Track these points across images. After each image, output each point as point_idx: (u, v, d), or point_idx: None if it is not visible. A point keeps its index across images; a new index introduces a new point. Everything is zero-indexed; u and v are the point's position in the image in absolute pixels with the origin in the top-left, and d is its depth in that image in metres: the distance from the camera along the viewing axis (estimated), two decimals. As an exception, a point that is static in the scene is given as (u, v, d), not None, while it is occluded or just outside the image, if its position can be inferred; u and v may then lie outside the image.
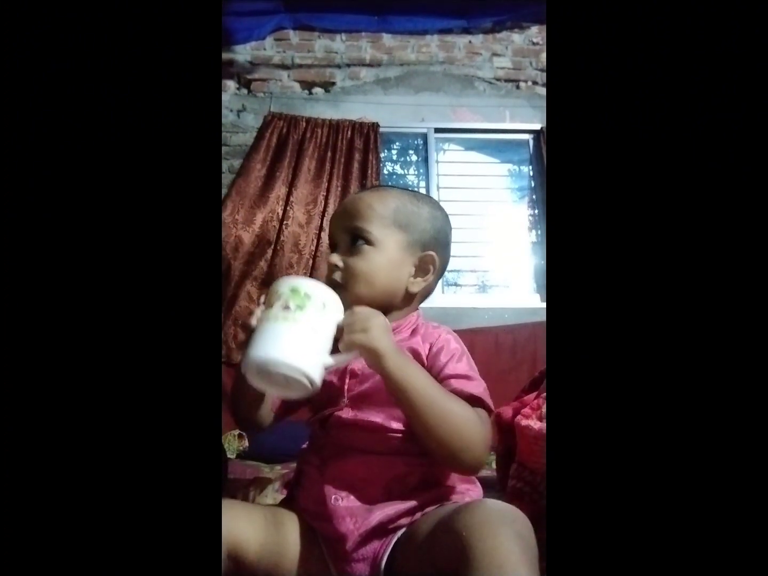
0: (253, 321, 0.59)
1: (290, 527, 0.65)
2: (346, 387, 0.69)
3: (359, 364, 0.70)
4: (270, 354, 0.54)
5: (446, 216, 0.80)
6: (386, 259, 0.71)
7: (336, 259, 0.72)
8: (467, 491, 0.68)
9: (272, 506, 0.71)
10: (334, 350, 0.59)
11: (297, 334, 0.56)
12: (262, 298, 0.61)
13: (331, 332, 0.59)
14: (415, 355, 0.68)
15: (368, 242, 0.71)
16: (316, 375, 0.56)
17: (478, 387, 0.65)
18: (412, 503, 0.62)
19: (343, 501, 0.63)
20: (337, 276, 0.72)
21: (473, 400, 0.63)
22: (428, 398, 0.59)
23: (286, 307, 0.57)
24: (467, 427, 0.60)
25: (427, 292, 0.78)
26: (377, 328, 0.59)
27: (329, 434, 0.69)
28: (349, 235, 0.73)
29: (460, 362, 0.68)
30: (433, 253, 0.74)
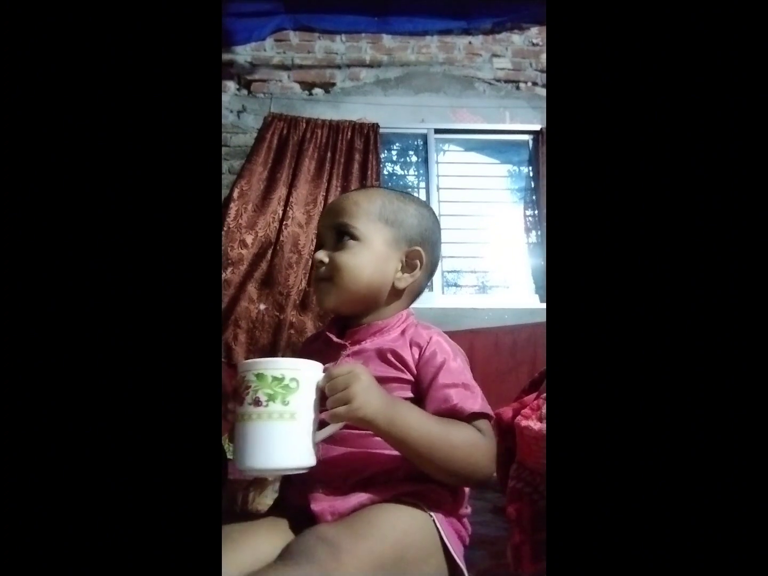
0: (229, 417, 0.58)
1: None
2: None
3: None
4: (258, 463, 0.53)
5: (434, 215, 0.81)
6: (372, 254, 0.71)
7: (322, 255, 0.72)
8: (454, 488, 0.68)
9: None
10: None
11: (277, 432, 0.54)
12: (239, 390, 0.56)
13: (310, 403, 0.56)
14: (401, 362, 0.67)
15: (354, 237, 0.71)
16: (310, 459, 0.56)
17: (475, 398, 0.65)
18: (388, 493, 0.63)
19: (323, 490, 0.64)
20: (323, 271, 0.72)
21: (475, 416, 0.64)
22: (428, 443, 0.60)
23: (256, 401, 0.53)
24: (473, 453, 0.61)
25: (416, 290, 0.77)
26: (360, 395, 0.56)
27: None
28: (335, 232, 0.73)
29: (454, 362, 0.67)
30: (419, 249, 0.74)
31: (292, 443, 0.54)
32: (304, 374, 0.56)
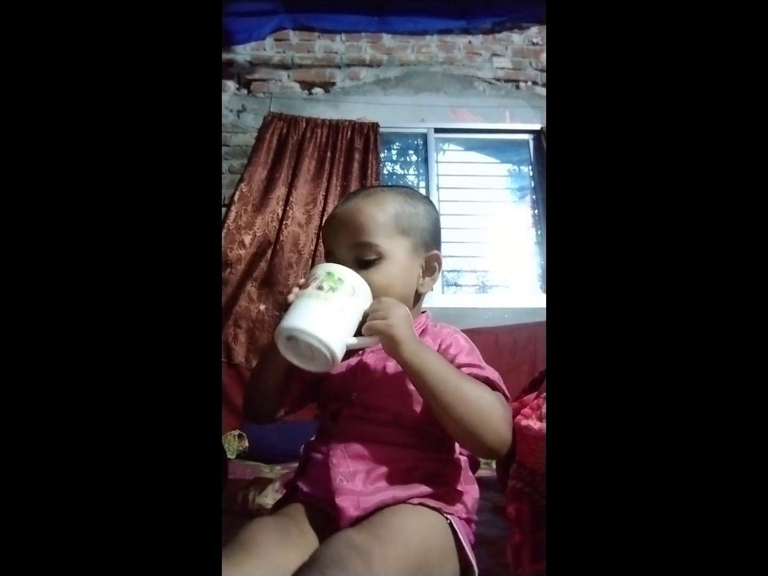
0: (290, 298, 0.65)
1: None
2: (357, 382, 0.71)
3: (371, 360, 0.72)
4: (299, 324, 0.60)
5: (435, 208, 0.82)
6: (398, 268, 0.72)
7: None
8: (467, 492, 0.69)
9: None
10: (359, 334, 0.64)
11: (326, 311, 0.62)
12: (301, 280, 0.67)
13: (357, 315, 0.64)
14: None
15: (379, 256, 0.71)
16: (338, 350, 0.61)
17: (492, 374, 0.68)
18: (409, 492, 0.64)
19: (347, 483, 0.64)
20: None
21: (489, 384, 0.65)
22: (444, 379, 0.62)
23: (320, 288, 0.63)
24: (485, 404, 0.62)
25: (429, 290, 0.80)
26: (397, 317, 0.63)
27: (339, 426, 0.70)
28: (356, 251, 0.71)
29: (470, 356, 0.70)
30: (437, 252, 0.76)
31: (334, 325, 0.62)
32: (362, 291, 0.66)
